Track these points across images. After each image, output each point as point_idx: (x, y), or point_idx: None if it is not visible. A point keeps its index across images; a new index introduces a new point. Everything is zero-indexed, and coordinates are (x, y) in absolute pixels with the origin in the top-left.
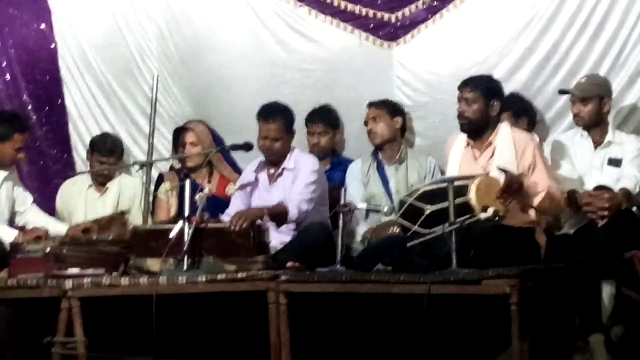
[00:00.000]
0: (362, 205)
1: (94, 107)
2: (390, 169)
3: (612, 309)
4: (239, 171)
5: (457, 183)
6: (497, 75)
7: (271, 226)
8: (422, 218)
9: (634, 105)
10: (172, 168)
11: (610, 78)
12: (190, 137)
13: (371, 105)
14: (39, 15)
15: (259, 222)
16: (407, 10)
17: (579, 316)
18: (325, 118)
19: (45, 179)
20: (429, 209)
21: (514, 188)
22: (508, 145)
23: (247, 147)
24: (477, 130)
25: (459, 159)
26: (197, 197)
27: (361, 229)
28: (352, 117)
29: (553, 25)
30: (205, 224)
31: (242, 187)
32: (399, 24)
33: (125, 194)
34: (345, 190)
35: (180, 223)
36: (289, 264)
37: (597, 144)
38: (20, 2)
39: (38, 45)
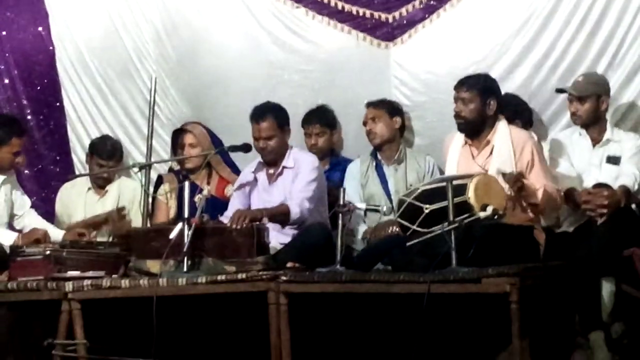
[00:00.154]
0: (361, 205)
1: (92, 109)
2: (389, 168)
3: (611, 306)
4: (237, 172)
5: (455, 182)
6: (494, 74)
7: (272, 226)
8: (421, 217)
9: (631, 103)
10: (170, 169)
11: (608, 76)
12: (188, 139)
13: (370, 105)
14: (36, 18)
15: (258, 223)
16: (403, 10)
17: (578, 313)
18: (321, 118)
19: (44, 182)
20: (428, 208)
21: (516, 187)
22: (506, 143)
23: (246, 148)
24: (474, 129)
25: (456, 157)
26: (196, 198)
27: (360, 229)
28: (349, 117)
29: (550, 23)
30: (205, 225)
31: (240, 188)
32: (395, 23)
33: (125, 196)
34: (344, 190)
35: (180, 224)
36: (289, 264)
37: (595, 141)
38: (17, 5)
39: (35, 48)
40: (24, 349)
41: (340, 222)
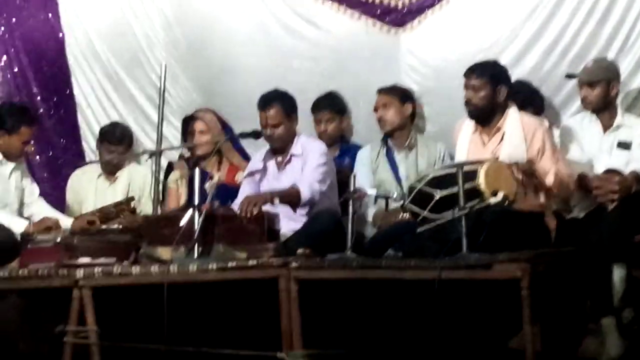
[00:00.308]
0: (372, 191)
1: (102, 97)
2: (400, 155)
3: (622, 291)
4: (248, 159)
5: (466, 168)
6: (504, 60)
7: (282, 212)
8: (432, 203)
9: None
10: (181, 156)
11: (618, 61)
12: (199, 126)
13: (381, 91)
14: (45, 6)
15: (269, 206)
16: None
17: (590, 299)
18: (331, 104)
19: (54, 169)
20: (439, 194)
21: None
22: (517, 129)
23: (256, 134)
24: (485, 116)
25: (467, 144)
26: (207, 185)
27: (370, 215)
28: (360, 103)
29: (560, 8)
30: (215, 212)
31: (250, 176)
32: (405, 9)
33: (135, 182)
34: (355, 177)
35: (190, 211)
36: (299, 251)
37: (606, 127)
38: None
39: (45, 35)
40: (35, 336)
41: (350, 208)
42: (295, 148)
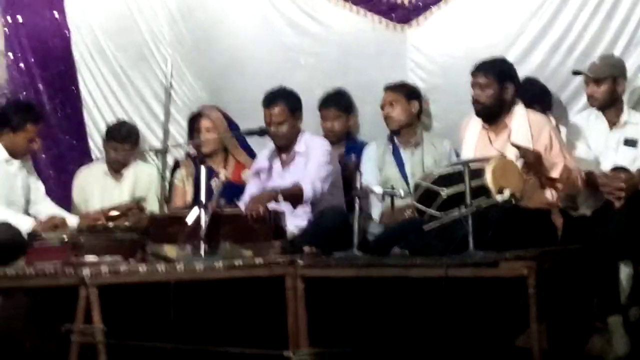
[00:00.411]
0: (378, 189)
1: (108, 94)
2: (406, 152)
3: (630, 289)
4: (254, 156)
5: (472, 165)
6: (510, 56)
7: (287, 210)
8: (438, 201)
9: None
10: (187, 154)
11: (625, 57)
12: (205, 123)
13: (387, 88)
14: (51, 3)
15: (274, 204)
16: None
17: (596, 297)
18: (338, 102)
19: (60, 167)
20: (445, 192)
21: (531, 160)
22: (523, 127)
23: (262, 132)
24: (492, 114)
25: (474, 141)
26: (213, 182)
27: (376, 212)
28: (365, 100)
29: (567, 5)
30: (222, 210)
31: (256, 174)
32: (411, 6)
33: (141, 180)
34: (361, 174)
35: (196, 209)
36: (306, 249)
37: (612, 124)
38: None
39: (51, 33)
40: (42, 335)
41: (356, 206)
42: (299, 146)
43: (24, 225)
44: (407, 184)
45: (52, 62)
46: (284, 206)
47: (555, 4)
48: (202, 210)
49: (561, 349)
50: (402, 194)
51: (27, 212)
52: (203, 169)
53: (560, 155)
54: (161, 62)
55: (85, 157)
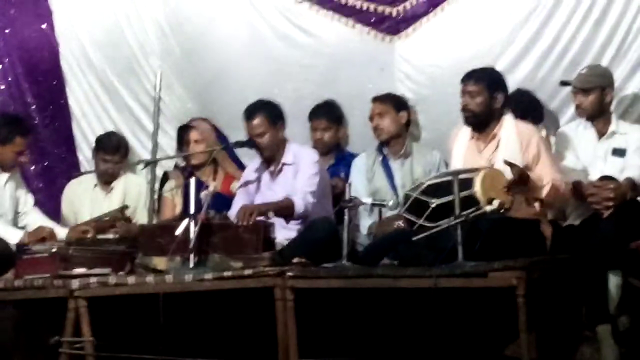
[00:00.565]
0: (367, 200)
1: (97, 106)
2: (395, 163)
3: (618, 298)
4: (243, 168)
5: (461, 176)
6: (499, 66)
7: (277, 221)
8: (428, 212)
9: (636, 95)
10: (176, 166)
11: (613, 67)
12: (194, 135)
13: (376, 100)
14: (39, 16)
15: (264, 217)
16: (407, 4)
17: (585, 306)
18: (328, 113)
19: (50, 179)
20: (434, 203)
21: (523, 180)
22: (512, 136)
23: (251, 143)
24: (481, 122)
25: (463, 151)
26: (202, 194)
27: (365, 223)
28: (354, 111)
29: (555, 15)
30: (211, 221)
31: (244, 186)
32: (399, 17)
33: (131, 192)
34: (350, 185)
35: (186, 220)
36: (295, 260)
37: (601, 134)
38: (21, 3)
39: (40, 45)
40: (31, 347)
41: (346, 217)
42: (287, 157)
43: (13, 237)
44: (397, 194)
45: (40, 75)
46: (274, 219)
47: (543, 14)
48: (192, 222)
49: (550, 359)
50: (392, 204)
51: (16, 224)
52: (192, 181)
53: (547, 169)
54: (150, 74)
55: (74, 169)
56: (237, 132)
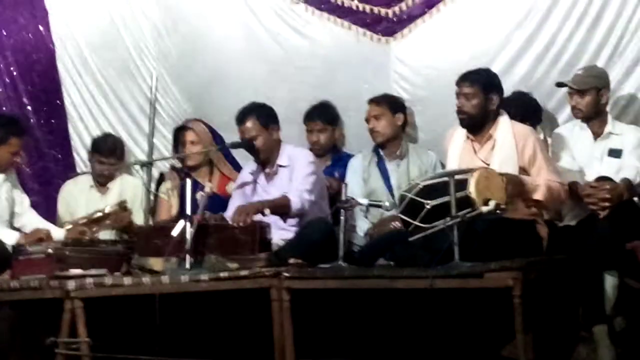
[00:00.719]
0: (363, 201)
1: (93, 108)
2: (391, 164)
3: (615, 299)
4: (239, 169)
5: (457, 176)
6: (495, 68)
7: (273, 222)
8: (423, 213)
9: (632, 95)
10: (172, 167)
11: (609, 68)
12: (190, 136)
13: (372, 102)
14: (36, 17)
15: (260, 216)
16: (403, 5)
17: (582, 307)
18: (323, 114)
19: (46, 180)
20: (430, 204)
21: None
22: (508, 137)
23: (247, 145)
24: (477, 124)
25: (458, 152)
26: (198, 195)
27: (361, 224)
28: (350, 112)
29: (551, 16)
30: (207, 222)
31: (239, 188)
32: (395, 18)
33: (127, 193)
34: (346, 186)
35: (182, 221)
36: (291, 261)
37: (597, 135)
38: (17, 4)
39: (36, 46)
40: (27, 348)
41: (342, 217)
42: (282, 159)
43: (9, 238)
44: (393, 195)
45: (36, 76)
46: (270, 218)
47: (539, 15)
48: (188, 223)
49: (547, 359)
50: (387, 205)
51: (11, 225)
52: (188, 182)
53: (543, 169)
54: (146, 75)
55: (70, 170)
56: (233, 133)
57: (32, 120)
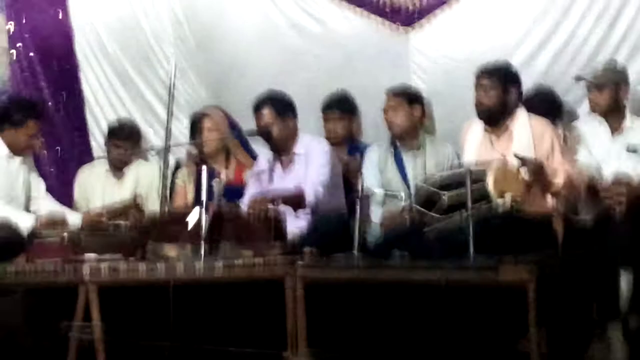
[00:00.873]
0: (379, 191)
1: (110, 93)
2: (408, 155)
3: (630, 297)
4: (255, 157)
5: (474, 169)
6: (515, 61)
7: (288, 211)
8: (438, 205)
9: None
10: (189, 154)
11: (627, 65)
12: (207, 123)
13: (390, 93)
14: (55, 2)
15: (273, 207)
16: None
17: (596, 304)
18: (341, 104)
19: (62, 165)
20: (446, 196)
21: (538, 172)
22: (525, 130)
23: (262, 133)
24: (494, 117)
25: (475, 145)
26: (214, 183)
27: (377, 215)
28: (368, 102)
29: (571, 10)
30: (223, 210)
31: (256, 176)
32: (415, 9)
33: (143, 179)
34: (362, 175)
35: (197, 209)
36: (306, 250)
37: (615, 130)
38: None
39: (54, 32)
40: (40, 332)
41: (357, 208)
42: (298, 148)
43: (25, 222)
44: (408, 187)
45: (55, 61)
46: (285, 208)
47: (559, 10)
48: (203, 211)
49: (560, 355)
50: (403, 196)
51: (27, 209)
52: (204, 169)
53: (561, 163)
54: (164, 62)
55: (86, 155)
56: (249, 121)
57: (49, 104)
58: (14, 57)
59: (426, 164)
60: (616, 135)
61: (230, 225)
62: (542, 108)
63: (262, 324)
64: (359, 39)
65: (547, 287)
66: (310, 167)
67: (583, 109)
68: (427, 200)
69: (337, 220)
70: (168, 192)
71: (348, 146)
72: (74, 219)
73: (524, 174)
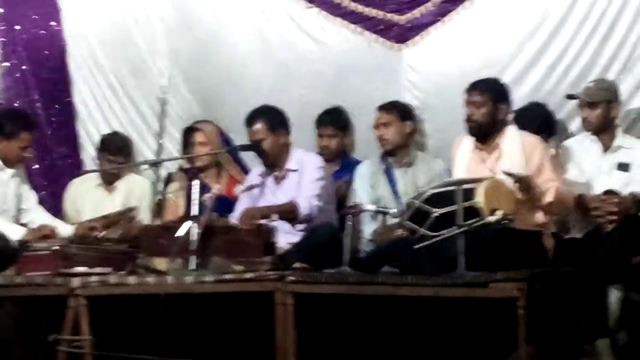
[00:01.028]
0: (370, 207)
1: (102, 106)
2: (399, 171)
3: (618, 313)
4: (247, 171)
5: (464, 185)
6: (506, 77)
7: (280, 226)
8: (429, 221)
9: None
10: (180, 168)
11: (619, 81)
12: (199, 137)
13: (381, 109)
14: (48, 14)
15: (267, 221)
16: (416, 12)
17: (585, 320)
18: (335, 120)
19: (53, 177)
20: (436, 212)
21: (527, 187)
22: (516, 147)
23: (256, 147)
24: (485, 133)
25: (466, 161)
26: (206, 197)
27: (368, 230)
28: (360, 118)
29: (563, 28)
30: (213, 224)
31: (248, 190)
32: (408, 25)
33: (134, 192)
34: (353, 191)
35: (188, 222)
36: (296, 265)
37: (606, 148)
38: (30, 1)
39: (47, 43)
40: (30, 344)
41: (349, 223)
42: (291, 163)
43: (15, 234)
44: (399, 203)
45: (47, 72)
46: (277, 223)
47: (551, 27)
48: (194, 224)
49: None
50: (394, 212)
51: (18, 221)
52: (196, 183)
53: (551, 179)
54: (157, 75)
55: (77, 168)
56: (242, 136)
57: (41, 116)
58: (7, 69)
59: (417, 180)
60: (607, 153)
61: (221, 239)
62: (536, 124)
63: (251, 339)
64: (352, 55)
65: (536, 303)
66: (304, 181)
67: (575, 125)
68: (418, 216)
69: (327, 235)
70: (159, 205)
71: (341, 162)
72: (66, 230)
73: (515, 190)
